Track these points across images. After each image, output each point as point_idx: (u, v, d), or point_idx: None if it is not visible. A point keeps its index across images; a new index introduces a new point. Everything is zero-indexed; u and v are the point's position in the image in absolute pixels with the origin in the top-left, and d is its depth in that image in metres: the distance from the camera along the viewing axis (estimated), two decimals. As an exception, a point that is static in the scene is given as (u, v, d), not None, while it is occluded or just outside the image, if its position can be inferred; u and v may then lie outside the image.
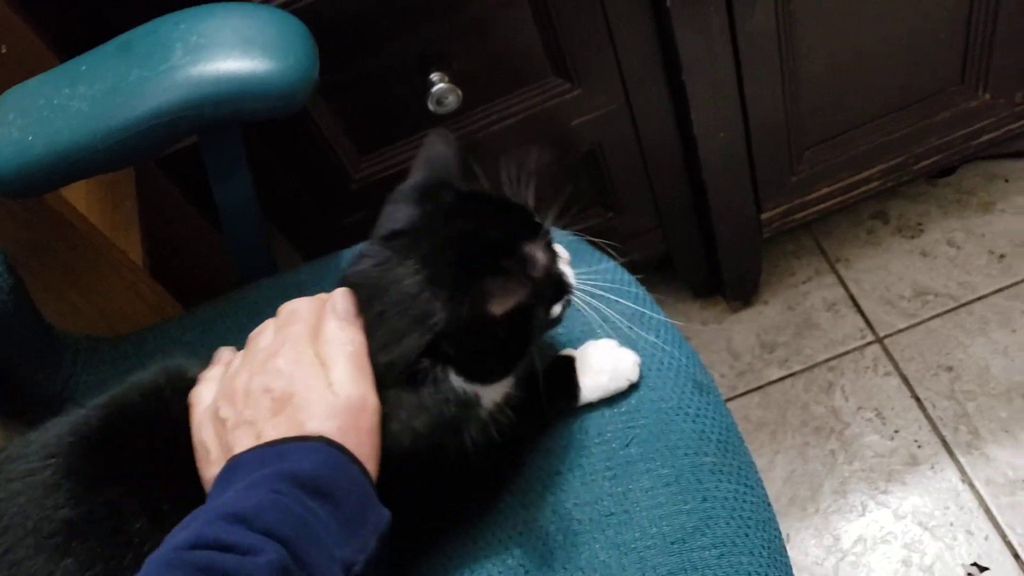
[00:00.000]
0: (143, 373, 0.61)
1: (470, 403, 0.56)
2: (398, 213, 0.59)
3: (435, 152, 0.63)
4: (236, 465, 0.50)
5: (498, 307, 0.53)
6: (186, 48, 0.67)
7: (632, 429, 0.66)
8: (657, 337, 0.72)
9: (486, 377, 0.57)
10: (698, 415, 0.68)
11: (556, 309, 0.59)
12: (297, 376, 0.52)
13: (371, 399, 0.53)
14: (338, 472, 0.49)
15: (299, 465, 0.48)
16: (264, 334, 0.57)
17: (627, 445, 0.65)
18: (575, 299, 0.61)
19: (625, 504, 0.63)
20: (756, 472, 0.69)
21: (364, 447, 0.51)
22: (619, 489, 0.64)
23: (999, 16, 1.01)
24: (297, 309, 0.57)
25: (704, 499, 0.63)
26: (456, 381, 0.55)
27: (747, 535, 0.63)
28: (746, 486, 0.66)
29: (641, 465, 0.65)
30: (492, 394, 0.59)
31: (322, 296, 0.58)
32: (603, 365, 0.66)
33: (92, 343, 0.84)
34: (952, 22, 1.02)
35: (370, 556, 0.48)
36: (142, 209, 1.03)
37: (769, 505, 0.67)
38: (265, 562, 0.42)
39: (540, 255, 0.57)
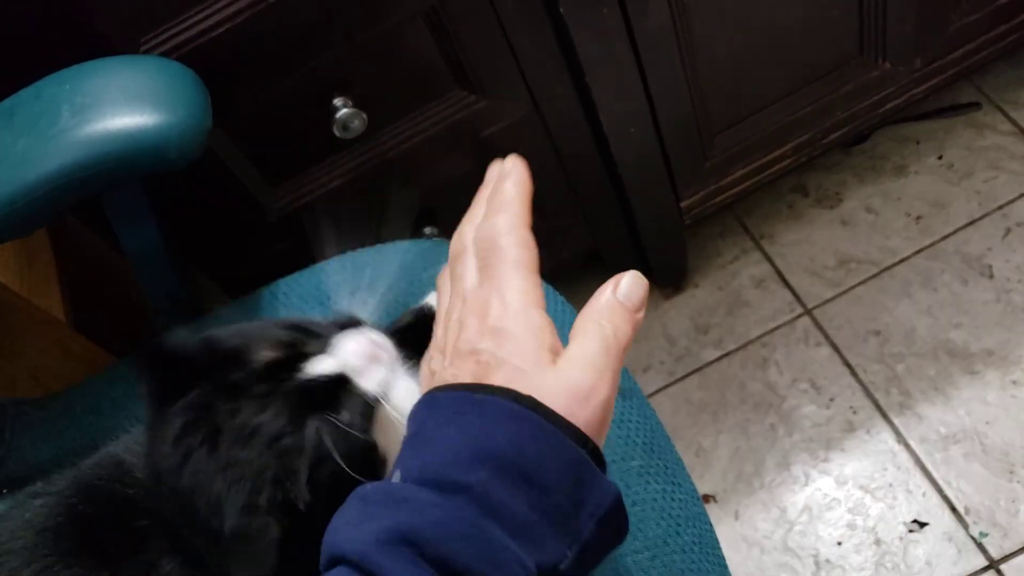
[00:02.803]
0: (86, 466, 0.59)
1: None
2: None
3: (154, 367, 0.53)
4: (434, 402, 0.43)
5: None
6: (73, 110, 0.66)
7: (558, 442, 0.67)
8: (577, 346, 0.73)
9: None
10: (622, 421, 0.69)
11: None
12: (508, 340, 0.44)
13: (600, 390, 0.43)
14: (544, 446, 0.41)
15: (497, 433, 0.40)
16: (467, 266, 0.48)
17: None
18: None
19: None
20: (683, 469, 0.70)
21: (592, 424, 0.42)
22: (550, 503, 0.65)
23: (889, -13, 1.04)
24: (498, 242, 0.47)
25: (633, 503, 0.65)
26: None
27: (678, 533, 0.64)
28: (673, 484, 0.68)
29: (570, 477, 0.66)
30: None
31: (512, 205, 0.49)
32: None
33: (18, 407, 0.83)
34: (844, -3, 1.04)
35: (586, 542, 0.41)
36: (59, 261, 1.01)
37: (698, 500, 0.69)
38: None
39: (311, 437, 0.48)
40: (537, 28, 0.92)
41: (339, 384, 0.50)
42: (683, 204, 1.18)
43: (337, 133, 0.90)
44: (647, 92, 1.00)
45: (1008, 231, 1.24)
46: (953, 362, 1.17)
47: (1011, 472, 1.07)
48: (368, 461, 0.49)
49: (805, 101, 1.13)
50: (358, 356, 0.51)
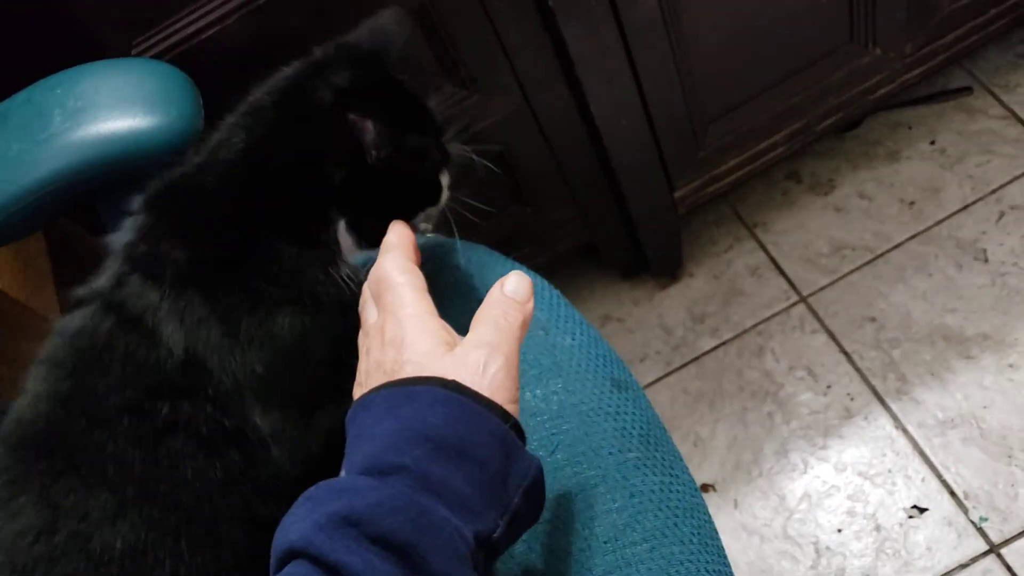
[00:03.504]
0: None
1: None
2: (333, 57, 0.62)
3: (385, 25, 0.65)
4: (366, 404, 0.48)
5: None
6: (65, 113, 0.66)
7: (556, 436, 0.68)
8: (573, 340, 0.73)
9: (364, 235, 0.61)
10: (619, 413, 0.70)
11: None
12: (407, 344, 0.49)
13: (496, 358, 0.48)
14: (472, 423, 0.45)
15: (430, 416, 0.44)
16: (367, 309, 0.55)
17: (553, 452, 0.67)
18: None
19: (556, 510, 0.65)
20: (680, 460, 0.71)
21: (499, 392, 0.47)
22: (549, 496, 0.65)
23: (879, -27, 1.04)
24: (383, 275, 0.53)
25: (632, 495, 0.65)
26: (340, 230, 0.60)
27: (676, 525, 0.65)
28: (671, 475, 0.68)
29: (568, 470, 0.66)
30: None
31: (393, 244, 0.56)
32: None
33: (16, 411, 0.83)
34: (834, -16, 1.04)
35: (514, 514, 0.45)
36: (54, 263, 1.02)
37: (696, 491, 0.69)
38: None
39: (434, 152, 0.62)
40: (527, 22, 0.92)
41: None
42: (677, 194, 1.18)
43: (330, 131, 0.90)
44: (638, 84, 1.00)
45: (1002, 215, 1.25)
46: (949, 347, 1.17)
47: (1009, 456, 1.08)
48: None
49: (797, 88, 1.13)
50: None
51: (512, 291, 0.52)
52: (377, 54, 0.63)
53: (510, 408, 0.47)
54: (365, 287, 0.56)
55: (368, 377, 0.51)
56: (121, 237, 0.59)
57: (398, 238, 0.56)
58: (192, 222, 0.58)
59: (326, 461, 0.55)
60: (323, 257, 0.59)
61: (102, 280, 0.59)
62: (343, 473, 0.46)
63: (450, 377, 0.47)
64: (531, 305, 0.52)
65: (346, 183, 0.58)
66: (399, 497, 0.42)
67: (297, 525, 0.42)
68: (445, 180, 0.64)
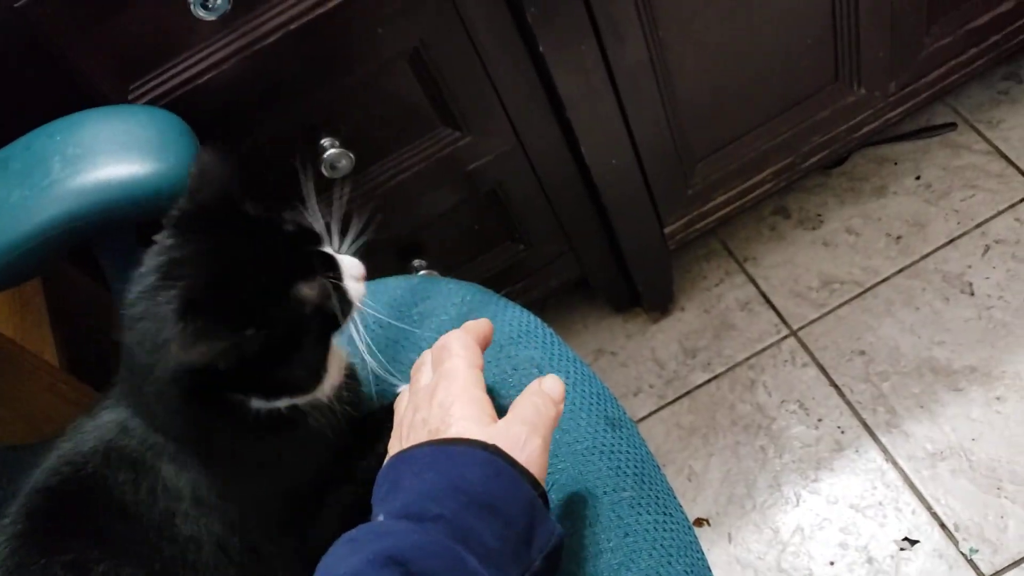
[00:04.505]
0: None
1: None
2: (176, 242, 0.56)
3: (207, 169, 0.59)
4: (406, 458, 0.51)
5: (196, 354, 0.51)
6: (64, 160, 0.67)
7: (551, 475, 0.68)
8: (567, 378, 0.74)
9: (290, 391, 0.57)
10: (613, 451, 0.70)
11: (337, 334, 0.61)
12: (455, 409, 0.53)
13: (534, 438, 0.53)
14: (507, 485, 0.49)
15: (468, 474, 0.49)
16: (422, 371, 0.59)
17: (547, 491, 0.68)
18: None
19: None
20: (674, 497, 0.71)
21: (532, 465, 0.51)
22: (544, 536, 0.66)
23: (860, 13, 1.06)
24: (447, 345, 0.58)
25: (626, 534, 0.66)
26: (258, 403, 0.56)
27: (670, 563, 0.65)
28: (665, 514, 0.68)
29: (563, 509, 0.67)
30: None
31: (470, 327, 0.60)
32: None
33: (12, 453, 0.83)
34: (818, 25, 1.07)
35: (535, 574, 0.49)
36: (51, 304, 1.02)
37: (690, 528, 0.70)
38: None
39: (312, 293, 0.57)
40: (518, 66, 0.93)
41: (337, 271, 0.59)
42: (667, 230, 1.19)
43: (325, 172, 0.92)
44: (627, 124, 1.02)
45: (987, 248, 1.26)
46: (937, 379, 1.18)
47: (998, 487, 1.09)
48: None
49: (783, 127, 1.15)
50: (356, 270, 0.61)
51: (549, 388, 0.56)
52: (220, 205, 0.58)
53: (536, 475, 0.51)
54: (426, 352, 0.61)
55: (412, 431, 0.55)
56: None
57: (475, 324, 0.61)
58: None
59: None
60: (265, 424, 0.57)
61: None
62: (380, 518, 0.49)
63: (491, 443, 0.51)
64: (562, 406, 0.57)
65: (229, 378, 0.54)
66: (438, 543, 0.45)
67: (345, 562, 0.45)
68: (351, 280, 0.60)
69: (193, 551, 0.57)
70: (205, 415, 0.55)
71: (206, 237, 0.56)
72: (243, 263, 0.55)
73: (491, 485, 0.48)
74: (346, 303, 0.59)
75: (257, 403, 0.56)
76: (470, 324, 0.61)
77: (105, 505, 0.57)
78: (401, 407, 0.60)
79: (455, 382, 0.55)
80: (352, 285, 0.60)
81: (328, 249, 0.60)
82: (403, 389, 0.63)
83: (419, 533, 0.46)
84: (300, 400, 0.58)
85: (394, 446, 0.57)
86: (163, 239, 0.57)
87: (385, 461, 0.55)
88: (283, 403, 0.57)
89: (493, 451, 0.50)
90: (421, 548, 0.45)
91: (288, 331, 0.55)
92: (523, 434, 0.52)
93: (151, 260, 0.56)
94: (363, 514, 0.53)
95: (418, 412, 0.55)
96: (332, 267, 0.59)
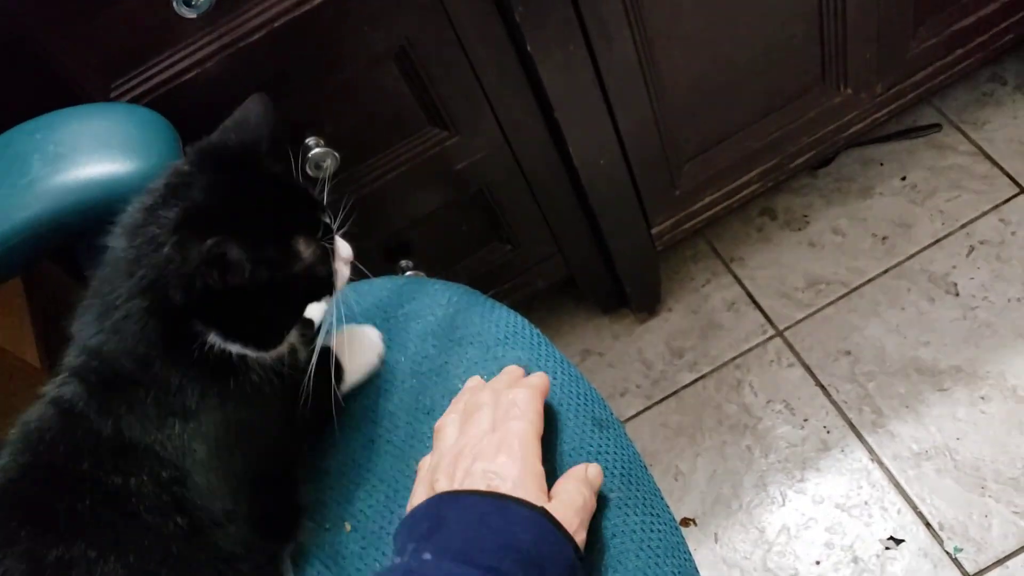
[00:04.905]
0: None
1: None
2: (192, 169, 0.58)
3: (251, 115, 0.62)
4: (455, 501, 0.53)
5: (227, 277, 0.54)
6: (44, 159, 0.66)
7: (537, 477, 0.68)
8: (554, 379, 0.74)
9: (248, 341, 0.58)
10: (600, 452, 0.70)
11: (316, 305, 0.63)
12: (514, 473, 0.55)
13: (585, 523, 0.57)
14: (554, 549, 0.51)
15: (521, 532, 0.50)
16: (483, 412, 0.59)
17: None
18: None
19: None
20: (661, 499, 0.71)
21: (575, 537, 0.54)
22: (530, 538, 0.65)
23: (847, 15, 1.06)
24: (517, 401, 0.59)
25: (613, 535, 0.65)
26: (214, 339, 0.56)
27: (657, 564, 0.65)
28: (652, 515, 0.68)
29: (549, 511, 0.66)
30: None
31: (538, 386, 0.62)
32: (355, 346, 0.71)
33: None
34: (805, 26, 1.07)
35: None
36: (32, 304, 1.01)
37: (677, 529, 0.69)
38: None
39: (308, 252, 0.58)
40: (505, 66, 0.93)
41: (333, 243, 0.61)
42: (654, 231, 1.19)
43: (310, 172, 0.91)
44: (615, 124, 1.01)
45: (971, 249, 1.27)
46: (923, 379, 1.19)
47: (983, 487, 1.09)
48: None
49: (771, 128, 1.15)
50: (346, 251, 0.62)
51: (593, 478, 0.61)
52: (246, 149, 0.60)
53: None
54: (488, 386, 0.63)
55: (467, 477, 0.55)
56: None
57: (541, 381, 0.63)
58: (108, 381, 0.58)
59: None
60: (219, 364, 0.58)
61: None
62: (427, 556, 0.50)
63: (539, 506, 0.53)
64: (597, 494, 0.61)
65: (201, 301, 0.55)
66: None
67: None
68: (340, 262, 0.62)
69: (146, 520, 0.56)
70: (166, 337, 0.55)
71: (222, 170, 0.58)
72: (250, 201, 0.57)
73: (541, 545, 0.51)
74: (331, 281, 0.61)
75: (214, 339, 0.56)
76: (538, 383, 0.62)
77: (53, 490, 0.56)
78: (449, 440, 0.60)
79: (519, 448, 0.56)
80: (340, 267, 0.62)
81: (330, 222, 0.61)
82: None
83: None
84: (252, 353, 0.59)
85: (420, 492, 0.57)
86: (179, 165, 0.58)
87: (422, 499, 0.55)
88: (235, 348, 0.57)
89: (542, 513, 0.52)
90: None
91: (273, 278, 0.56)
92: (575, 523, 0.55)
93: (161, 179, 0.57)
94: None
95: (478, 460, 0.55)
96: (330, 239, 0.60)
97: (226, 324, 0.56)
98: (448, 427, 0.62)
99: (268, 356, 0.60)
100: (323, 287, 0.61)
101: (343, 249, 0.62)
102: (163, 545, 0.56)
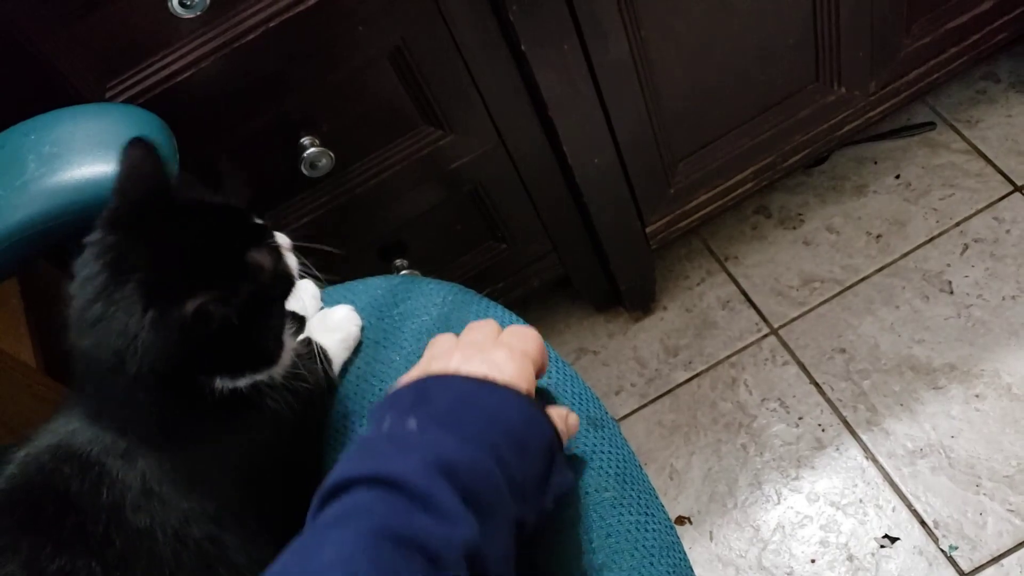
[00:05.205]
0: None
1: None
2: (117, 239, 0.56)
3: (140, 162, 0.59)
4: (442, 379, 0.53)
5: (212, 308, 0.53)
6: (39, 160, 0.66)
7: (533, 476, 0.68)
8: (549, 379, 0.74)
9: (253, 367, 0.58)
10: (595, 452, 0.70)
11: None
12: (511, 370, 0.55)
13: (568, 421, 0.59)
14: (538, 432, 0.53)
15: (508, 411, 0.51)
16: (476, 335, 0.59)
17: (530, 492, 0.67)
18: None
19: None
20: (656, 498, 0.71)
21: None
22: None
23: (841, 13, 1.06)
24: (528, 336, 0.60)
25: (608, 535, 0.66)
26: (222, 382, 0.56)
27: (652, 563, 0.65)
28: (647, 514, 0.68)
29: (544, 510, 0.67)
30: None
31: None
32: (328, 325, 0.72)
33: (-12, 455, 0.82)
34: (799, 25, 1.07)
35: (544, 513, 0.53)
36: (28, 305, 1.01)
37: (672, 528, 0.70)
38: (459, 537, 0.44)
39: (265, 259, 0.58)
40: (500, 65, 0.93)
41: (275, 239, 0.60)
42: (649, 229, 1.19)
43: (305, 172, 0.91)
44: (609, 123, 1.01)
45: (966, 247, 1.27)
46: (917, 377, 1.19)
47: (977, 485, 1.09)
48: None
49: (765, 126, 1.15)
50: (285, 241, 0.61)
51: (573, 423, 0.61)
52: (156, 197, 0.58)
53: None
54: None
55: (455, 352, 0.56)
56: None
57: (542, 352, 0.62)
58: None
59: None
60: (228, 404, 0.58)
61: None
62: (412, 422, 0.50)
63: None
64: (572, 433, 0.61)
65: (197, 358, 0.54)
66: (483, 463, 0.48)
67: (397, 461, 0.46)
68: (287, 252, 0.61)
69: (148, 542, 0.56)
70: (174, 403, 0.55)
71: (146, 230, 0.56)
72: (193, 246, 0.55)
73: (528, 428, 0.52)
74: (290, 274, 0.61)
75: (221, 382, 0.56)
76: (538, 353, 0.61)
77: (58, 503, 0.56)
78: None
79: (519, 356, 0.56)
80: (289, 257, 0.61)
81: (262, 221, 0.61)
82: None
83: (464, 450, 0.48)
84: (261, 375, 0.59)
85: (433, 363, 0.57)
86: (100, 239, 0.56)
87: (412, 378, 0.55)
88: (245, 381, 0.58)
89: (529, 400, 0.53)
90: (470, 464, 0.47)
91: (251, 299, 0.56)
92: (558, 419, 0.56)
93: (94, 262, 0.55)
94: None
95: (477, 353, 0.56)
96: (271, 237, 0.60)
97: (227, 364, 0.56)
98: (443, 337, 0.61)
99: (277, 374, 0.61)
100: (287, 282, 0.61)
101: (283, 239, 0.61)
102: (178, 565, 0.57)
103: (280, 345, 0.61)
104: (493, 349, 0.56)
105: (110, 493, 0.56)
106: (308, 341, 0.69)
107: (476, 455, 0.48)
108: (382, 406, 0.53)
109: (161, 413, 0.56)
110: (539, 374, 0.59)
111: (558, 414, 0.58)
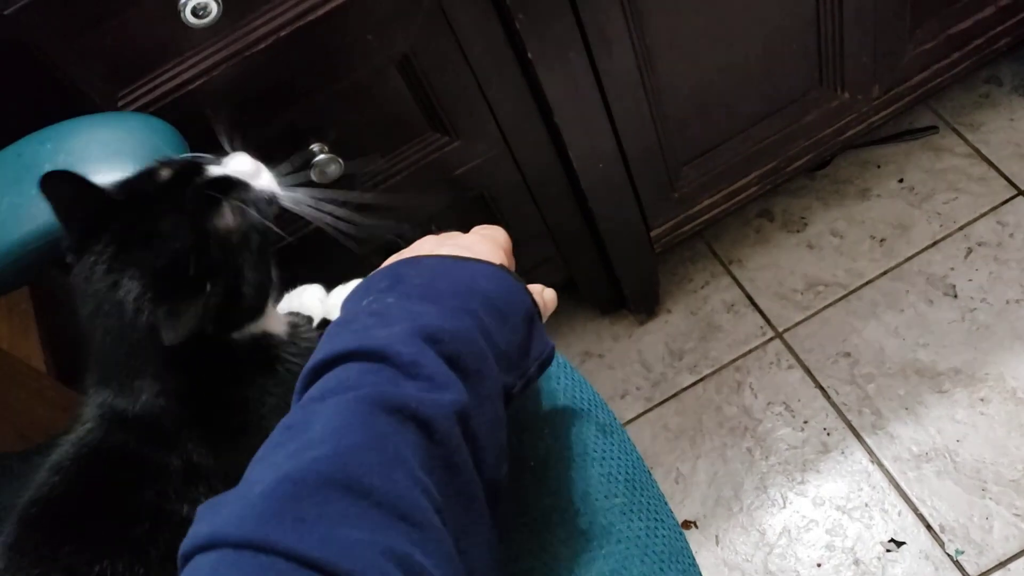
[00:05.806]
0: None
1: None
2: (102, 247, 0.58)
3: (63, 196, 0.60)
4: (415, 261, 0.53)
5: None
6: (55, 168, 0.67)
7: (543, 482, 0.69)
8: (557, 384, 0.75)
9: (243, 320, 0.60)
10: (604, 458, 0.71)
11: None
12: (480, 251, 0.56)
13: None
14: (515, 297, 0.53)
15: (483, 281, 0.51)
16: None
17: (540, 498, 0.68)
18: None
19: (544, 557, 0.65)
20: (665, 503, 0.72)
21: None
22: (537, 543, 0.66)
23: (844, 20, 1.07)
24: (496, 234, 0.61)
25: (618, 541, 0.66)
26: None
27: (662, 569, 0.66)
28: (656, 520, 0.69)
29: (555, 516, 0.67)
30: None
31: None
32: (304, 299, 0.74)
33: (2, 462, 0.82)
34: (802, 31, 1.07)
35: (529, 380, 0.53)
36: (39, 311, 1.02)
37: (681, 534, 0.70)
38: (448, 402, 0.44)
39: (228, 219, 0.59)
40: (506, 72, 0.94)
41: (238, 183, 0.60)
42: (653, 233, 1.20)
43: (315, 178, 0.92)
44: (614, 129, 1.02)
45: (970, 251, 1.28)
46: (922, 381, 1.19)
47: (983, 489, 1.10)
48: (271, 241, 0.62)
49: (768, 131, 1.16)
50: (247, 165, 0.62)
51: (548, 297, 0.60)
52: (93, 212, 0.59)
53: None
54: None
55: (438, 245, 0.56)
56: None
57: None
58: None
59: None
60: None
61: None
62: (390, 300, 0.50)
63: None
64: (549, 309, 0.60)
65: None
66: (468, 330, 0.48)
67: (381, 332, 0.46)
68: (255, 179, 0.62)
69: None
70: (194, 363, 0.57)
71: (106, 244, 0.57)
72: (149, 241, 0.56)
73: (503, 294, 0.52)
74: (266, 202, 0.61)
75: (240, 335, 0.59)
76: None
77: (94, 506, 0.57)
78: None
79: (492, 243, 0.57)
80: (259, 183, 0.62)
81: (215, 169, 0.60)
82: None
83: (451, 320, 0.48)
84: (255, 327, 0.61)
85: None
86: (85, 264, 0.58)
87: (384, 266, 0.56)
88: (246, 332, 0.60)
89: (500, 268, 0.54)
90: (453, 331, 0.47)
91: (230, 261, 0.58)
92: (535, 294, 0.56)
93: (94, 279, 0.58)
94: None
95: (449, 238, 0.57)
96: (229, 184, 0.60)
97: (236, 317, 0.59)
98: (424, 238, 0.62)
99: (283, 333, 0.63)
100: (262, 228, 0.60)
101: (242, 165, 0.61)
102: None
103: (266, 290, 0.61)
104: (460, 237, 0.58)
105: (151, 488, 0.57)
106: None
107: (458, 323, 0.48)
108: (357, 292, 0.53)
109: (196, 387, 0.58)
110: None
111: (533, 288, 0.59)
